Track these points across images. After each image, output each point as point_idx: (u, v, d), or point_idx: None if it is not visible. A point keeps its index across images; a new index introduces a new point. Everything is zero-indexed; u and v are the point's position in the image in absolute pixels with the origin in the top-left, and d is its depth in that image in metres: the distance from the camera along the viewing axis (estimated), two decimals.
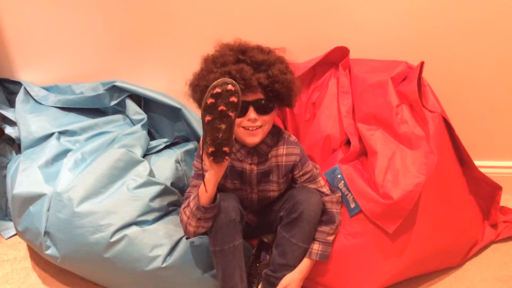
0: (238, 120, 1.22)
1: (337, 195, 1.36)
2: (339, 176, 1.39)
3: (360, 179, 1.36)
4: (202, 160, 1.25)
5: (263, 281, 1.33)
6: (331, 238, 1.32)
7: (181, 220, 1.28)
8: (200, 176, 1.30)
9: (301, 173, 1.35)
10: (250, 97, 1.20)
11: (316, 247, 1.31)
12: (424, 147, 1.35)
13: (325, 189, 1.37)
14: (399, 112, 1.41)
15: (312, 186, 1.36)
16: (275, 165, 1.33)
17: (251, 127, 1.23)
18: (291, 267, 1.30)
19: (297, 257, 1.30)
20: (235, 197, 1.31)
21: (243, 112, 1.20)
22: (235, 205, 1.27)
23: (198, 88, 1.23)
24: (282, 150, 1.33)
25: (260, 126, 1.24)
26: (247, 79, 1.16)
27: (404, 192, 1.28)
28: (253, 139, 1.25)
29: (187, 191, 1.36)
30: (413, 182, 1.29)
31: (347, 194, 1.36)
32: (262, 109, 1.22)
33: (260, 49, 1.23)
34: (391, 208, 1.28)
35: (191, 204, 1.23)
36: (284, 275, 1.29)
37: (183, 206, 1.29)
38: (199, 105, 1.24)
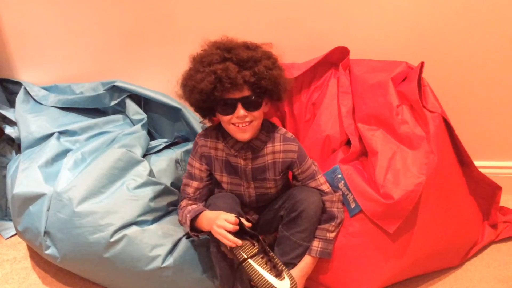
0: (227, 118, 1.24)
1: (337, 194, 1.36)
2: (339, 176, 1.39)
3: (361, 179, 1.36)
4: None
5: None
6: (331, 235, 1.32)
7: (179, 220, 1.34)
8: (192, 175, 1.37)
9: (300, 171, 1.35)
10: (238, 95, 1.21)
11: (316, 244, 1.31)
12: (425, 147, 1.35)
13: (325, 187, 1.36)
14: (400, 112, 1.41)
15: (312, 184, 1.35)
16: (271, 162, 1.33)
17: (241, 124, 1.24)
18: (293, 265, 1.30)
19: (298, 255, 1.30)
20: (234, 198, 1.33)
21: (231, 110, 1.22)
22: (233, 206, 1.28)
23: (186, 87, 1.24)
24: (279, 146, 1.33)
25: (250, 122, 1.24)
26: (232, 77, 1.16)
27: (404, 192, 1.28)
28: (243, 136, 1.26)
29: (181, 188, 1.39)
30: (414, 182, 1.29)
31: (347, 194, 1.36)
32: (250, 105, 1.22)
33: (246, 46, 1.23)
34: (392, 208, 1.28)
35: (184, 219, 1.30)
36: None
37: (180, 206, 1.34)
38: (189, 103, 1.28)
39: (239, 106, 1.21)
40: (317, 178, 1.36)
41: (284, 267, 1.22)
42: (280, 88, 1.26)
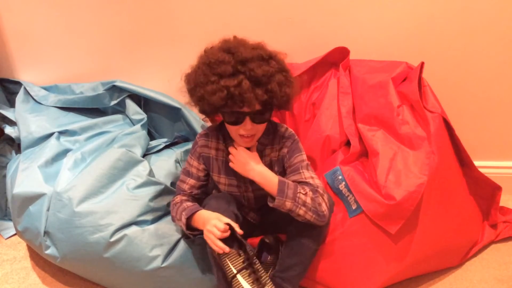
0: (234, 128, 1.23)
1: (321, 191, 1.25)
2: (340, 177, 1.38)
3: (362, 180, 1.36)
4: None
5: None
6: (302, 191, 1.20)
7: (172, 216, 1.35)
8: (189, 173, 1.36)
9: (287, 164, 1.31)
10: (247, 109, 1.18)
11: (288, 181, 1.23)
12: (426, 147, 1.35)
13: (311, 181, 1.25)
14: (400, 113, 1.42)
15: (294, 177, 1.27)
16: (268, 163, 1.33)
17: (246, 135, 1.23)
18: (300, 267, 1.29)
19: (306, 257, 1.29)
20: (229, 198, 1.33)
21: (239, 122, 1.20)
22: (227, 207, 1.28)
23: (195, 94, 1.21)
24: (277, 146, 1.33)
25: (254, 135, 1.24)
26: (245, 96, 1.13)
27: (406, 193, 1.28)
28: (246, 145, 1.27)
29: (177, 184, 1.39)
30: (416, 183, 1.29)
31: (348, 196, 1.36)
32: (258, 119, 1.21)
33: (260, 57, 1.17)
34: (394, 209, 1.28)
35: (179, 215, 1.29)
36: (292, 276, 1.29)
37: (174, 201, 1.34)
38: (194, 103, 1.25)
39: (247, 119, 1.19)
40: (301, 171, 1.27)
41: (268, 279, 1.22)
42: (289, 104, 1.24)
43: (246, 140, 1.24)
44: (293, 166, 1.29)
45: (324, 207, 1.21)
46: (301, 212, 1.20)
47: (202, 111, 1.27)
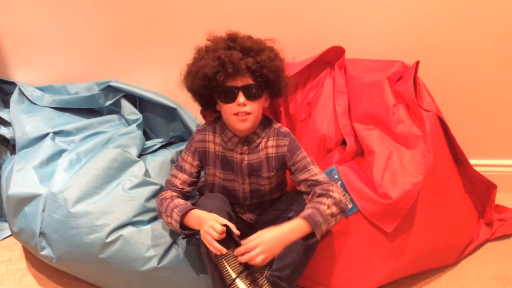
0: (228, 106, 1.25)
1: (332, 186, 1.26)
2: (336, 176, 1.38)
3: (358, 179, 1.36)
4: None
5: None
6: (324, 207, 1.19)
7: (159, 211, 1.32)
8: (182, 168, 1.36)
9: (291, 163, 1.32)
10: (240, 82, 1.23)
11: (307, 211, 1.19)
12: (421, 146, 1.35)
13: (321, 177, 1.28)
14: (396, 112, 1.42)
15: (304, 175, 1.29)
16: (265, 157, 1.34)
17: (241, 113, 1.25)
18: (297, 265, 1.28)
19: (304, 256, 1.28)
20: (223, 198, 1.33)
21: (232, 97, 1.24)
22: (222, 206, 1.28)
23: (190, 74, 1.27)
24: (272, 141, 1.34)
25: (249, 113, 1.25)
26: (236, 63, 1.19)
27: (402, 192, 1.28)
28: (242, 125, 1.26)
29: (168, 179, 1.38)
30: (412, 182, 1.30)
31: (344, 195, 1.36)
32: (251, 94, 1.24)
33: (250, 38, 1.27)
34: (390, 207, 1.29)
35: (169, 212, 1.27)
36: (289, 274, 1.28)
37: (164, 196, 1.32)
38: (192, 91, 1.30)
39: (240, 94, 1.23)
40: (310, 168, 1.29)
41: (265, 280, 1.22)
42: (281, 80, 1.28)
43: (241, 119, 1.25)
44: (298, 164, 1.32)
45: (342, 198, 1.24)
46: (333, 222, 1.22)
47: (198, 95, 1.30)
